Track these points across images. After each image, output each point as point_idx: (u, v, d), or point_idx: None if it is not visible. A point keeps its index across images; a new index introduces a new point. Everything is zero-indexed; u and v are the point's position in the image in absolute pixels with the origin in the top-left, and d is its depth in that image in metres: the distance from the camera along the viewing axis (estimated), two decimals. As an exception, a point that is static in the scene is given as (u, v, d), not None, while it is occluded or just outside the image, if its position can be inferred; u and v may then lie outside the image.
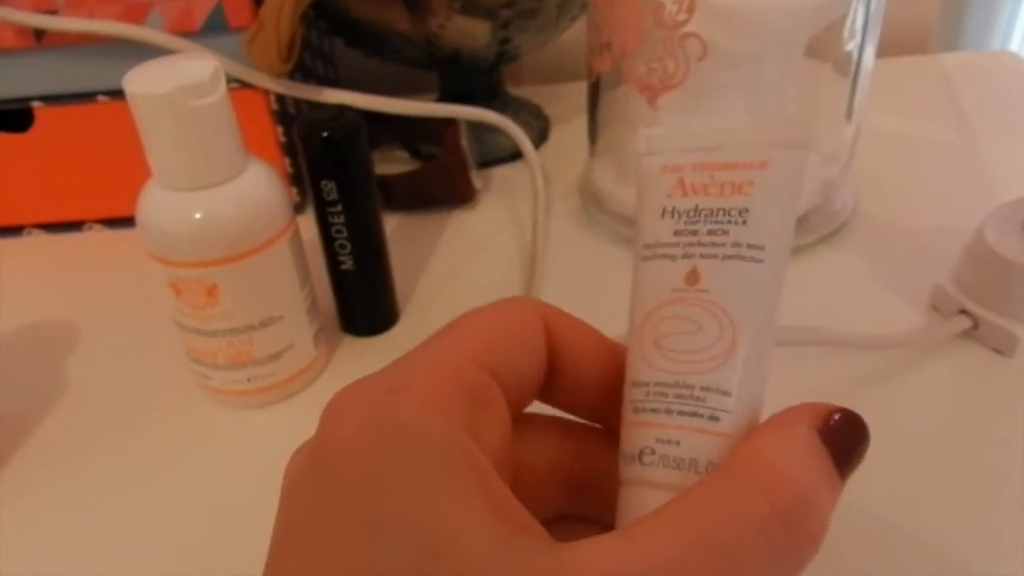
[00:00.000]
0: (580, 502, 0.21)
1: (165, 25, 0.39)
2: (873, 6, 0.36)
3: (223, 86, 0.28)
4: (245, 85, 0.41)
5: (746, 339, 0.18)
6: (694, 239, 0.19)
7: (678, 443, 0.18)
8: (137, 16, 0.39)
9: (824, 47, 0.37)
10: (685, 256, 0.19)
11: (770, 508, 0.15)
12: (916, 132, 0.49)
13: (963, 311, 0.34)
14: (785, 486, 0.16)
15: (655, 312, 0.19)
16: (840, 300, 0.37)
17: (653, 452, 0.19)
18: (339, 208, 0.33)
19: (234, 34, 0.39)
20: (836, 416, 0.17)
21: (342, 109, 0.33)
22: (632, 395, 0.19)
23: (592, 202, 0.44)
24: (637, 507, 0.19)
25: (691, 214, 0.19)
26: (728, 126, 0.20)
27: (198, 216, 0.29)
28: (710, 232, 0.19)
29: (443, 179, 0.44)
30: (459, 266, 0.41)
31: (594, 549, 0.15)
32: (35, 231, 0.46)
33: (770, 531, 0.15)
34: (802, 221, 0.40)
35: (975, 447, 0.30)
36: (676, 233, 0.19)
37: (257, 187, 0.30)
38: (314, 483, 0.17)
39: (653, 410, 0.19)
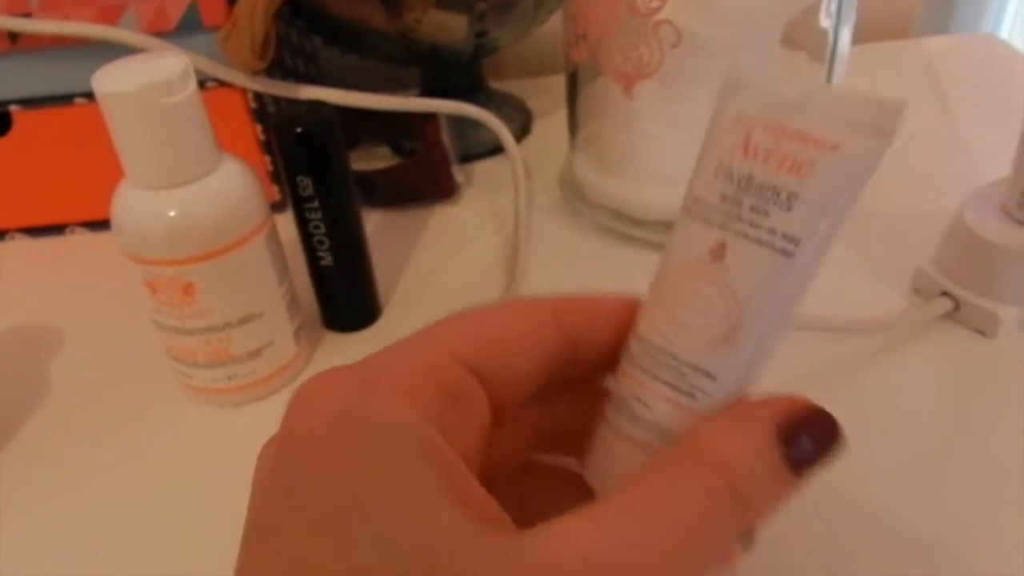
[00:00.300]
0: (548, 445, 0.22)
1: (140, 26, 0.39)
2: (847, -10, 0.36)
3: (193, 83, 0.28)
4: (222, 84, 0.40)
5: (749, 331, 0.18)
6: (735, 211, 0.18)
7: (652, 407, 0.19)
8: (111, 17, 0.39)
9: (800, 32, 0.37)
10: (721, 227, 0.18)
11: (715, 502, 0.16)
12: (898, 117, 0.49)
13: (944, 293, 0.34)
14: (731, 485, 0.16)
15: (674, 275, 0.19)
16: (821, 285, 0.37)
17: (630, 406, 0.19)
18: (316, 204, 0.33)
19: (209, 33, 0.39)
20: (803, 414, 0.18)
21: (316, 104, 0.33)
22: (631, 344, 0.19)
23: (574, 194, 0.44)
24: (606, 454, 0.20)
25: (742, 182, 0.18)
26: (823, 86, 0.18)
27: (172, 214, 0.29)
28: (752, 208, 0.18)
29: (424, 174, 0.44)
30: (441, 261, 0.41)
31: (560, 533, 0.15)
32: (17, 235, 0.46)
33: (715, 522, 0.16)
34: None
35: (958, 428, 0.30)
36: (722, 198, 0.18)
37: (231, 184, 0.30)
38: (284, 478, 0.17)
39: (640, 367, 0.19)
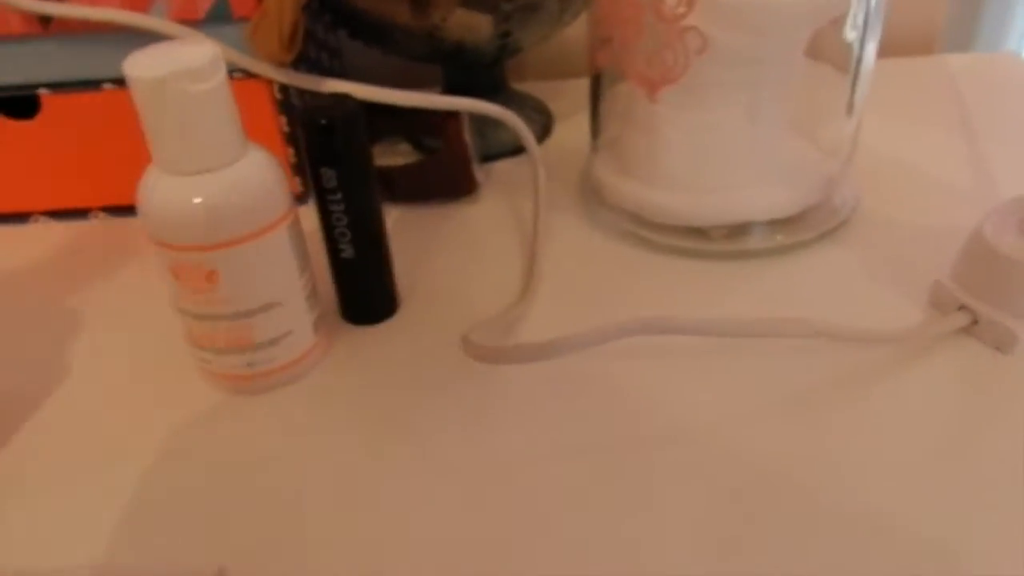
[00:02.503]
0: None
1: (169, 13, 0.40)
2: (874, 1, 0.36)
3: (223, 72, 0.29)
4: (249, 75, 0.41)
5: None
6: None
7: None
8: (142, 5, 0.39)
9: (826, 44, 0.37)
10: None
11: None
12: (918, 132, 0.49)
13: (962, 307, 0.34)
14: None
15: None
16: (839, 297, 0.37)
17: None
18: (339, 196, 0.33)
19: (237, 24, 0.40)
20: None
21: (342, 97, 0.33)
22: None
23: (592, 196, 0.44)
24: None
25: None
26: None
27: (197, 201, 0.29)
28: None
29: (445, 172, 0.45)
30: (460, 258, 0.42)
31: None
32: (41, 218, 0.47)
33: None
34: (802, 217, 0.40)
35: (974, 443, 0.30)
36: None
37: (257, 172, 0.30)
38: None
39: None
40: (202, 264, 0.30)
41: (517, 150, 0.49)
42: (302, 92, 0.44)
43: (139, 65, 0.28)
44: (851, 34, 0.37)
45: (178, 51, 0.28)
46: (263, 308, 0.32)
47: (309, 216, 0.35)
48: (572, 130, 0.52)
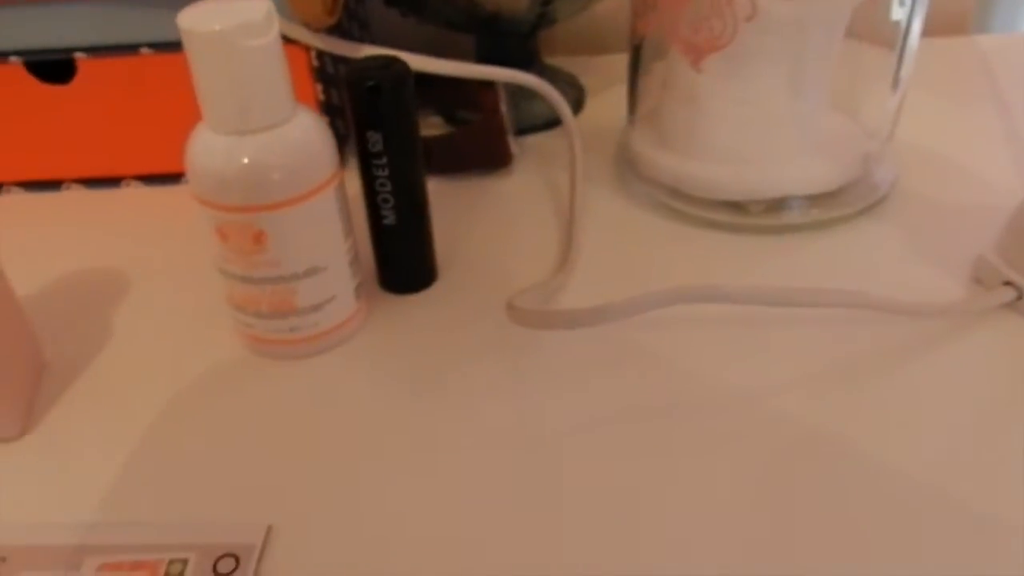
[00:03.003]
0: None
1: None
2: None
3: (276, 28, 0.29)
4: (287, 40, 0.40)
5: None
6: None
7: None
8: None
9: (869, 23, 0.37)
10: None
11: None
12: (955, 111, 0.49)
13: (1007, 283, 0.34)
14: None
15: None
16: (881, 272, 0.37)
17: None
18: (383, 161, 0.33)
19: (278, -11, 0.39)
20: None
21: (390, 60, 0.33)
22: None
23: (628, 169, 0.44)
24: None
25: None
26: None
27: (246, 160, 0.29)
28: None
29: (481, 142, 0.44)
30: (497, 229, 0.41)
31: None
32: (74, 186, 0.47)
33: None
34: (841, 193, 0.40)
35: (1015, 414, 0.30)
36: None
37: (306, 134, 0.30)
38: None
39: None
40: (251, 225, 0.30)
41: (550, 124, 0.49)
42: (336, 61, 0.44)
43: (194, 19, 0.27)
44: (899, 12, 0.36)
45: (231, 6, 0.28)
46: (308, 272, 0.32)
47: (350, 182, 0.35)
48: (605, 104, 0.52)
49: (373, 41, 0.54)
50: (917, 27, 0.37)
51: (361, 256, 0.35)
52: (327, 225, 0.32)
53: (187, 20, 0.27)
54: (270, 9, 0.28)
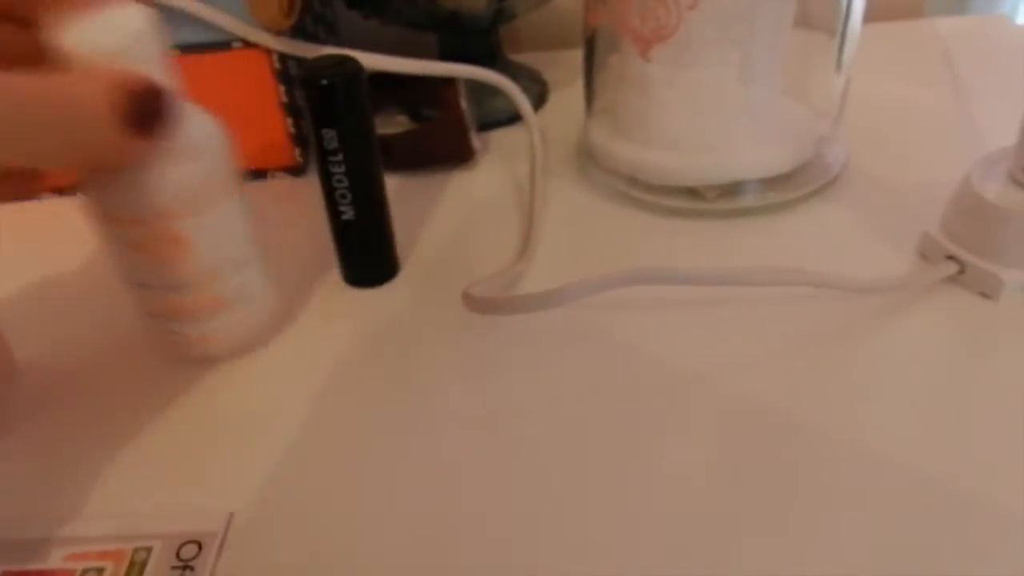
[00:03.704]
0: None
1: (169, -15, 0.40)
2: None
3: (161, 42, 0.27)
4: (249, 44, 0.41)
5: None
6: None
7: None
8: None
9: (814, 11, 0.38)
10: None
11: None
12: (909, 93, 0.50)
13: (950, 257, 0.35)
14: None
15: None
16: (831, 251, 0.38)
17: None
18: (340, 157, 0.34)
19: (237, -7, 0.40)
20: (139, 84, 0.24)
21: (344, 59, 0.33)
22: None
23: (588, 161, 0.45)
24: None
25: None
26: None
27: (158, 169, 0.29)
28: None
29: (443, 138, 0.45)
30: (459, 224, 0.42)
31: None
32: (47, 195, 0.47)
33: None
34: (794, 175, 0.41)
35: (962, 388, 0.31)
36: None
37: (207, 135, 0.30)
38: None
39: None
40: (168, 232, 0.30)
41: (512, 119, 0.50)
42: (300, 63, 0.45)
43: (76, 35, 0.26)
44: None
45: (112, 19, 0.26)
46: (231, 268, 0.32)
47: (311, 182, 0.35)
48: (566, 99, 0.53)
49: (340, 43, 0.55)
50: (859, 9, 0.38)
51: (323, 252, 0.36)
52: (242, 223, 0.32)
53: (70, 38, 0.26)
54: (151, 20, 0.27)
